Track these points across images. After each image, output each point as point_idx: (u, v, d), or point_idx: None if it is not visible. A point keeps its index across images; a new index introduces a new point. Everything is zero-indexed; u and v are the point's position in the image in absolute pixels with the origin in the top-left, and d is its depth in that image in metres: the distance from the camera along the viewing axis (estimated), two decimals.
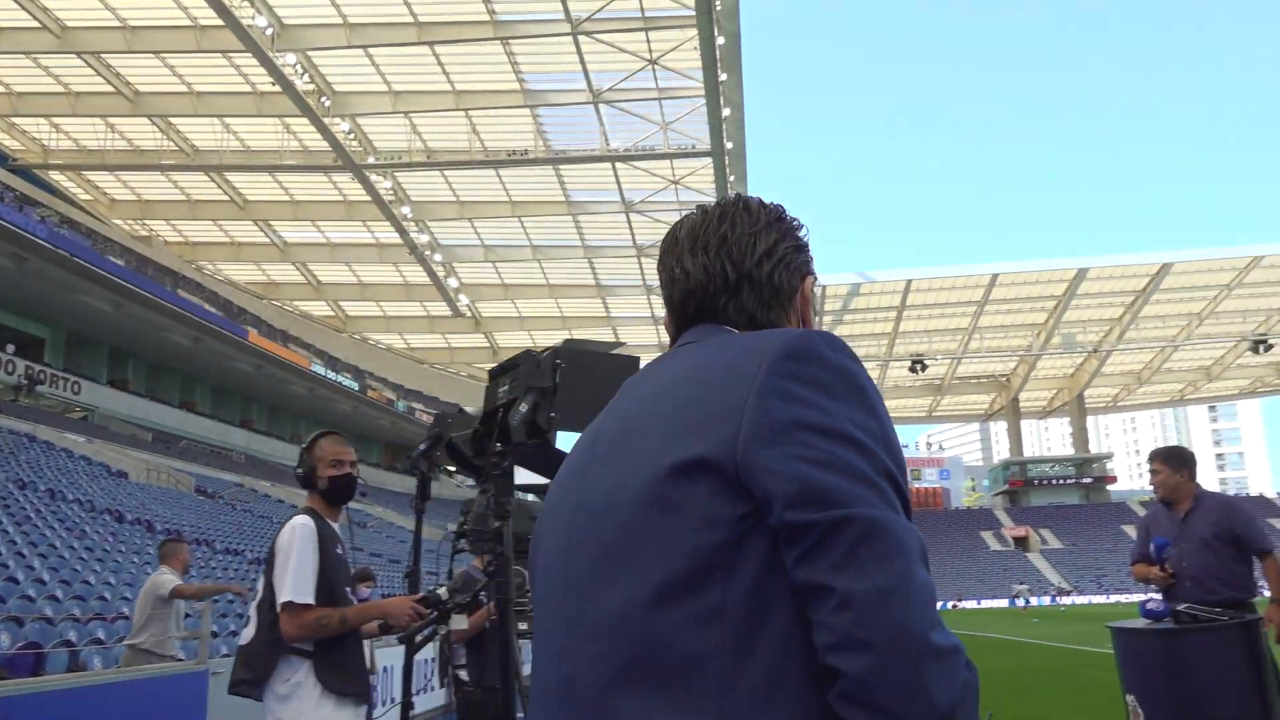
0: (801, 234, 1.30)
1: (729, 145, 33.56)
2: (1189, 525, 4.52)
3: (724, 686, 0.97)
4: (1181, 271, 52.84)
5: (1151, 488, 4.76)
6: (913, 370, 59.52)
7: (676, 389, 1.13)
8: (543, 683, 1.14)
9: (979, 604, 54.72)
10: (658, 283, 1.41)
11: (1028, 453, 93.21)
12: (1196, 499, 4.63)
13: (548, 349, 2.36)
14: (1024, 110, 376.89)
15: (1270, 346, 60.06)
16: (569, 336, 2.53)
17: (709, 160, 34.73)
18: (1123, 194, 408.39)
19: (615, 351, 2.37)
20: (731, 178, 35.73)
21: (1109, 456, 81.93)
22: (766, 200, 1.31)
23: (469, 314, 50.58)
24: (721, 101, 30.91)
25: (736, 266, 1.24)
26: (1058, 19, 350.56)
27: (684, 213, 1.31)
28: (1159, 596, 4.11)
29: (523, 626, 2.63)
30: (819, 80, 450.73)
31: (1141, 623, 4.03)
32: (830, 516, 0.97)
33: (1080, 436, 72.74)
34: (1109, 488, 74.41)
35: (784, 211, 1.30)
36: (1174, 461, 4.78)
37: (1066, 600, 53.16)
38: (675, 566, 1.01)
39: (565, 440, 2.30)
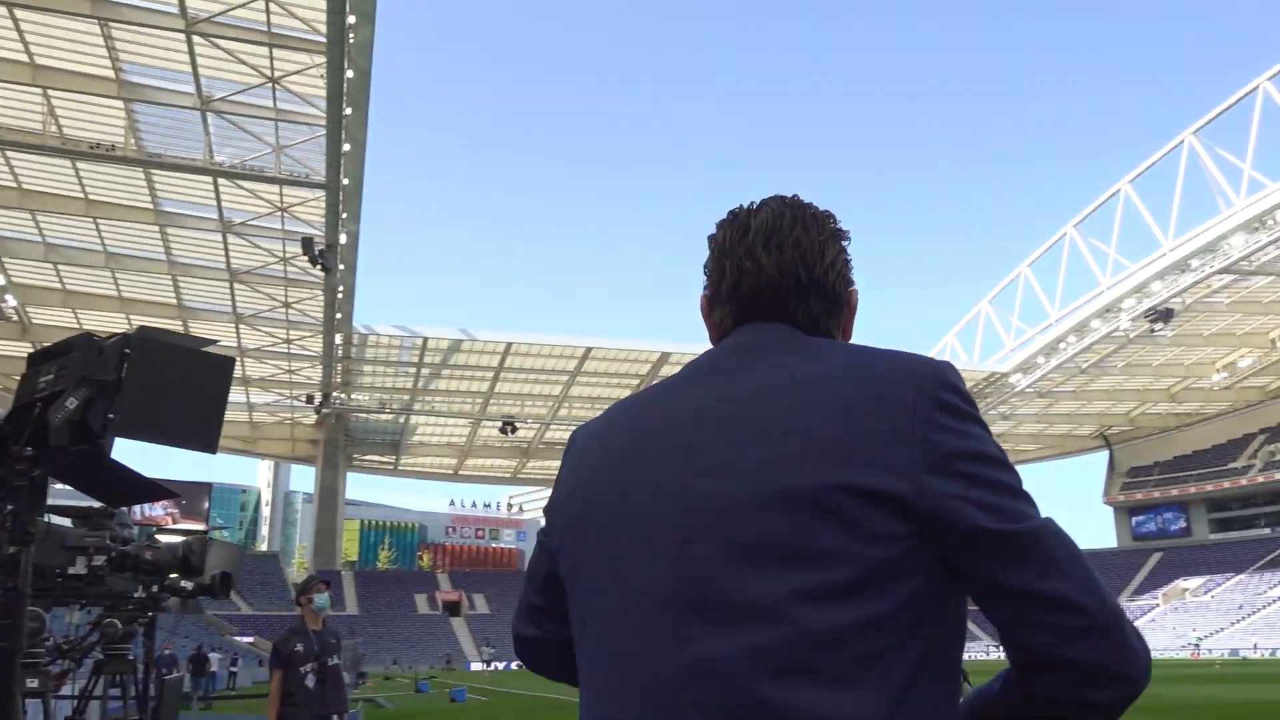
0: (848, 246, 1.36)
1: (345, 181, 32.43)
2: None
3: (880, 685, 1.08)
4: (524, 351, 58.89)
5: None
6: (503, 431, 60.64)
7: (809, 401, 1.16)
8: (650, 661, 1.14)
9: None
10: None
11: None
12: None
13: (115, 335, 1.89)
14: (621, 190, 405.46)
15: None
16: (143, 324, 2.06)
17: (322, 192, 33.31)
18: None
19: (207, 349, 1.96)
20: (344, 214, 34.51)
21: None
22: (819, 206, 1.36)
23: (16, 318, 43.91)
24: (343, 135, 29.87)
25: (809, 271, 1.28)
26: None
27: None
28: None
29: (31, 684, 2.06)
30: (446, 129, 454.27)
31: None
32: (1020, 530, 1.11)
33: None
34: None
35: (839, 221, 1.35)
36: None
37: None
38: (843, 574, 1.09)
39: (127, 450, 1.84)
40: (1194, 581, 64.42)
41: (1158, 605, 63.48)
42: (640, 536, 1.18)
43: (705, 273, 1.37)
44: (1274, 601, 55.59)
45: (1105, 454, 77.21)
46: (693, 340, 56.94)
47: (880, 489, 1.10)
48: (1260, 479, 65.46)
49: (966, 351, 64.45)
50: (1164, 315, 53.20)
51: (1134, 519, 74.33)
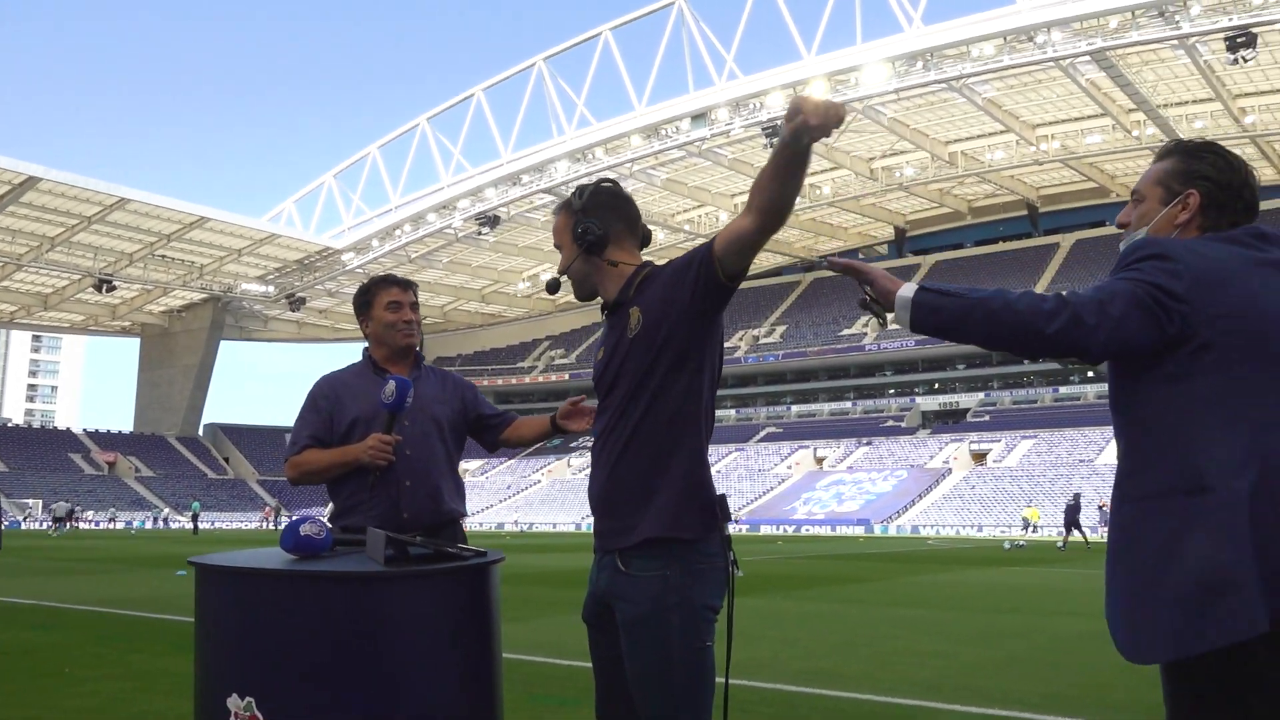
0: None
1: None
2: (417, 395, 3.03)
3: None
4: (48, 190, 50.30)
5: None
6: None
7: None
8: None
9: None
10: None
11: None
12: (418, 361, 3.26)
13: None
14: None
15: (114, 288, 61.35)
16: None
17: None
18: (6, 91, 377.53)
19: None
20: None
21: None
22: None
23: None
24: None
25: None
26: None
27: None
28: (322, 517, 2.50)
29: None
30: None
31: (279, 559, 2.32)
32: None
33: None
34: None
35: None
36: (411, 286, 3.30)
37: None
38: None
39: None
40: (473, 464, 71.76)
41: None
42: None
43: (1209, 190, 1.98)
44: (536, 484, 64.45)
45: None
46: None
47: None
48: (540, 379, 75.04)
49: (304, 221, 62.91)
50: (491, 221, 57.47)
51: None
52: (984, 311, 1.82)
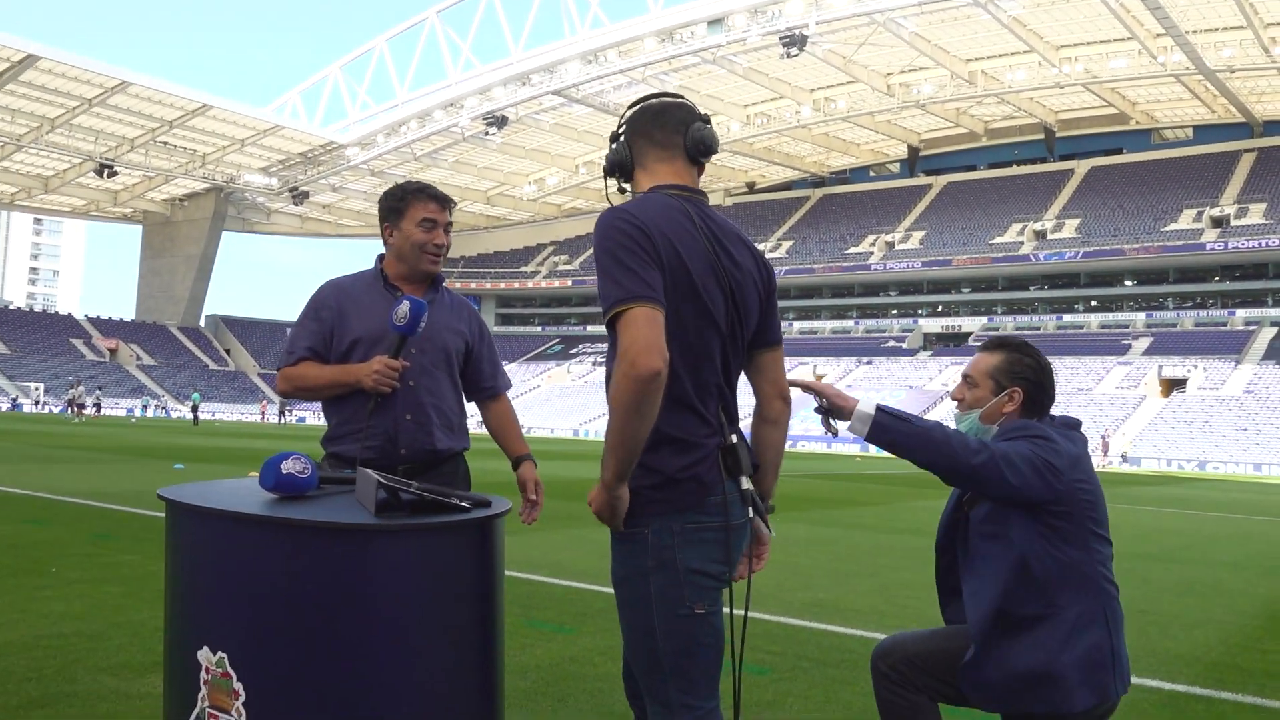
0: None
1: None
2: (430, 322, 2.74)
3: None
4: (48, 69, 49.16)
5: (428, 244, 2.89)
6: None
7: None
8: None
9: None
10: None
11: None
12: (438, 282, 2.97)
13: None
14: None
15: (115, 173, 60.50)
16: None
17: None
18: None
19: None
20: None
21: None
22: None
23: None
24: None
25: None
26: None
27: None
28: (301, 455, 2.16)
29: None
30: None
31: (258, 498, 2.11)
32: None
33: None
34: None
35: None
36: (450, 204, 2.97)
37: None
38: None
39: None
40: None
41: None
42: None
43: (1028, 388, 2.57)
44: (535, 389, 64.62)
45: None
46: None
47: None
48: (544, 284, 74.60)
49: (309, 114, 61.75)
50: (499, 121, 56.38)
51: None
52: (926, 440, 2.32)
